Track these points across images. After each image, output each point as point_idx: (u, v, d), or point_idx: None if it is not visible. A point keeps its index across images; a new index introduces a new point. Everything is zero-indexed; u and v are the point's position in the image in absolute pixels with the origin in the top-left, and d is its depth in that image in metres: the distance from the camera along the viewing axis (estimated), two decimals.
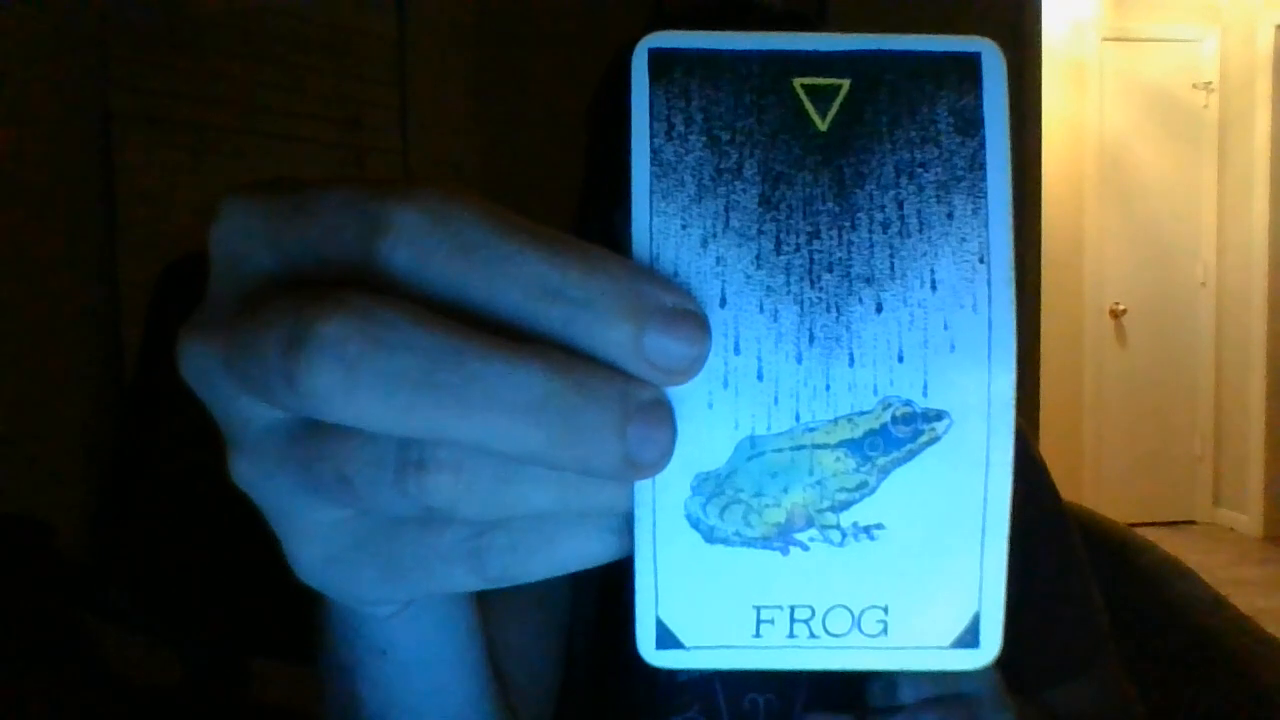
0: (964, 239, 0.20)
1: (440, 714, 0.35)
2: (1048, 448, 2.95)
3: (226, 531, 1.04)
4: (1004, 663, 0.63)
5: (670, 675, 0.63)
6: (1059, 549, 0.69)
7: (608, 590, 0.62)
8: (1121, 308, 4.22)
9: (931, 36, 0.20)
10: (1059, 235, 3.84)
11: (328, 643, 0.33)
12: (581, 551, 0.20)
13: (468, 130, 2.35)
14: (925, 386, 0.20)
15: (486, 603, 0.37)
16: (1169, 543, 0.90)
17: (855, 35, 0.20)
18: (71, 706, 1.26)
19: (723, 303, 0.20)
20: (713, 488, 0.20)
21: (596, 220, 0.66)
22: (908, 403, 0.20)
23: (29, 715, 1.19)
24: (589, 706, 0.64)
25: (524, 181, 1.54)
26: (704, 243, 0.20)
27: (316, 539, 0.21)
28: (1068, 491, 0.72)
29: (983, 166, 0.20)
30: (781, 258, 0.20)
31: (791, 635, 0.20)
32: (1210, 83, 4.19)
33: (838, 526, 0.20)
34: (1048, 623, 0.67)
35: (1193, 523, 4.28)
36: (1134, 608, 0.86)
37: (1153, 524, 4.04)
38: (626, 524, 0.20)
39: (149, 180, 1.75)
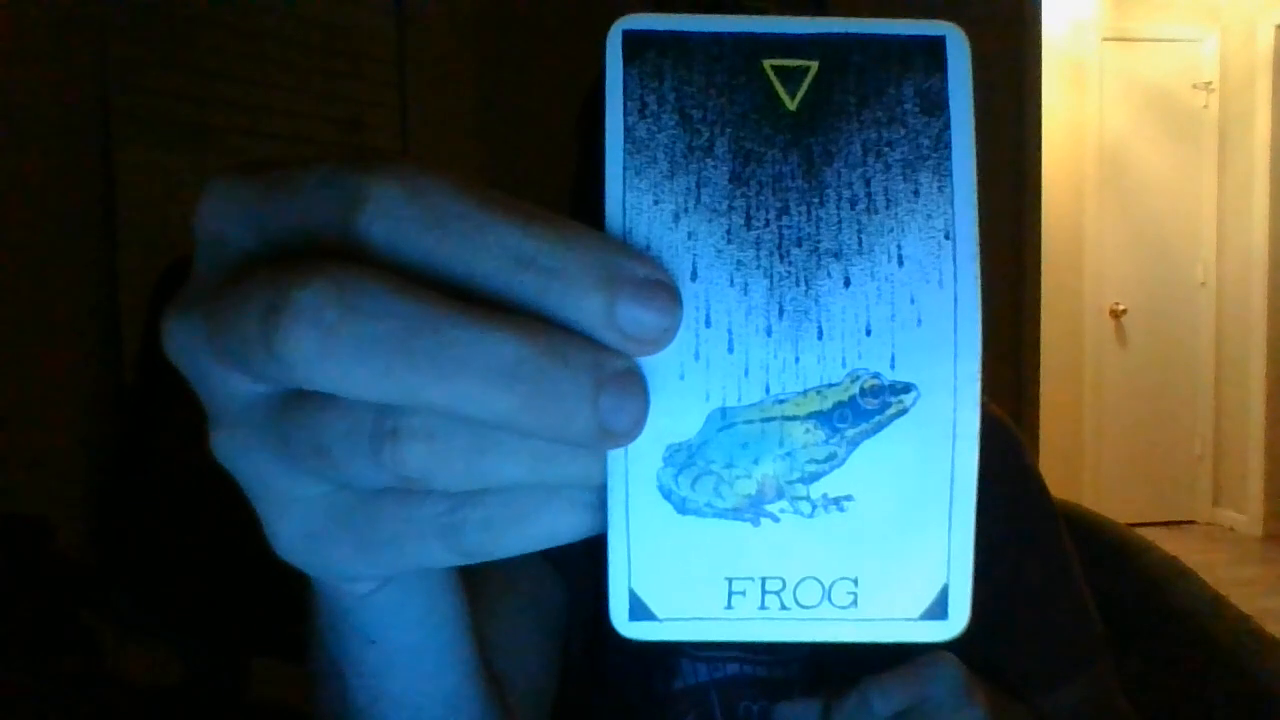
0: (930, 216, 0.20)
1: (429, 705, 0.35)
2: (1048, 448, 2.94)
3: (227, 531, 1.04)
4: (998, 667, 0.62)
5: (666, 682, 0.63)
6: (1051, 554, 0.69)
7: (604, 593, 0.61)
8: (1121, 308, 4.22)
9: (898, 20, 0.21)
10: (1059, 235, 3.84)
11: (316, 634, 0.33)
12: (555, 527, 0.20)
13: (468, 130, 2.35)
14: (893, 359, 0.20)
15: (479, 600, 0.37)
16: (1169, 543, 0.90)
17: (823, 19, 0.21)
18: (71, 706, 1.26)
19: (694, 276, 0.20)
20: (684, 459, 0.20)
21: (588, 223, 0.66)
22: (876, 375, 0.20)
23: (29, 715, 1.19)
24: (586, 712, 0.64)
25: (524, 181, 1.54)
26: (676, 218, 0.20)
27: (295, 514, 0.21)
28: (1068, 491, 0.72)
29: (948, 146, 0.20)
30: (751, 233, 0.20)
31: (763, 606, 0.20)
32: (1210, 83, 4.19)
33: (808, 498, 0.20)
34: (1040, 627, 0.67)
35: (1193, 523, 4.28)
36: (1134, 608, 0.86)
37: (1153, 524, 4.04)
38: (600, 499, 0.20)
39: (149, 180, 1.75)
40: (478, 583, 0.36)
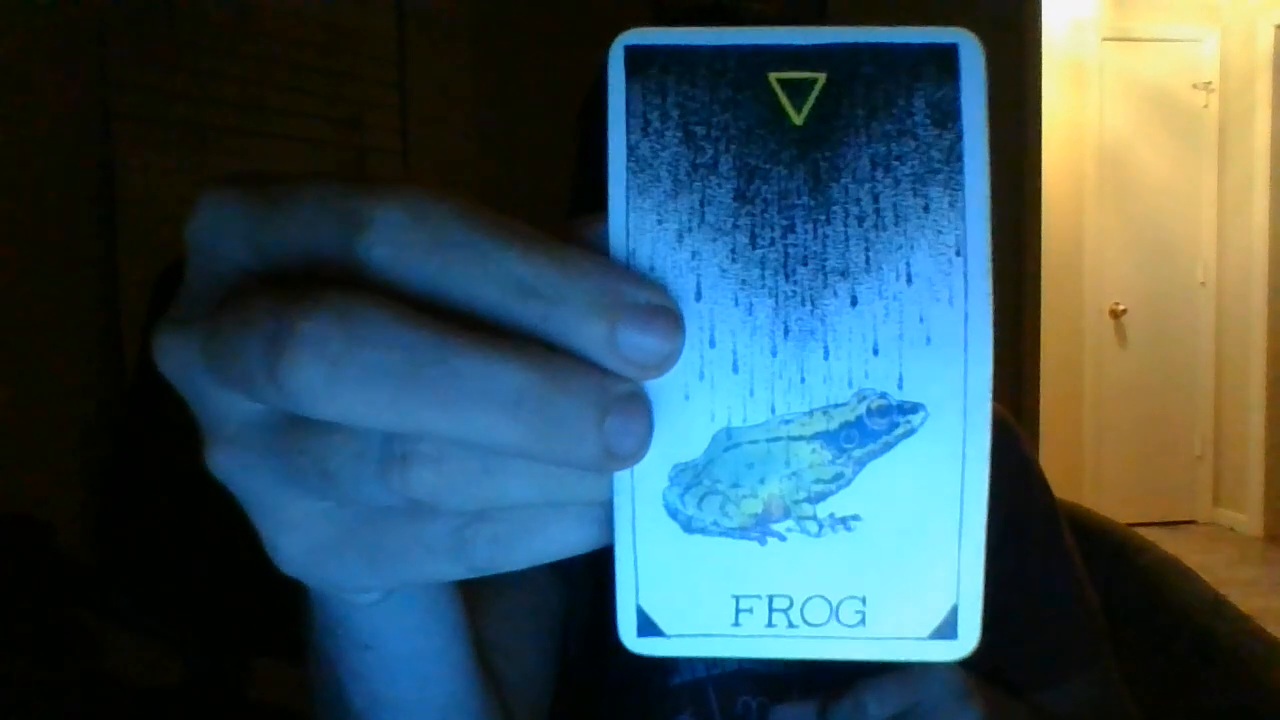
0: (940, 231, 0.20)
1: (426, 709, 0.35)
2: (1048, 448, 2.94)
3: (227, 531, 1.04)
4: (999, 664, 0.63)
5: (664, 679, 0.63)
6: (1052, 551, 0.69)
7: (602, 593, 0.62)
8: (1121, 308, 4.22)
9: (908, 28, 0.20)
10: (1059, 235, 3.84)
11: (312, 637, 0.33)
12: (564, 541, 0.20)
13: (468, 130, 2.35)
14: (901, 379, 0.20)
15: (477, 601, 0.37)
16: (1169, 543, 0.90)
17: (831, 28, 0.20)
18: (71, 706, 1.26)
19: (698, 296, 0.20)
20: (690, 478, 0.20)
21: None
22: (883, 395, 0.20)
23: (29, 715, 1.19)
24: (584, 709, 0.64)
25: (524, 182, 1.54)
26: (679, 237, 0.20)
27: (298, 529, 0.21)
28: (1068, 491, 0.72)
29: (960, 158, 0.20)
30: (757, 252, 0.20)
31: (770, 624, 0.20)
32: (1210, 83, 4.19)
33: (814, 518, 0.20)
34: (1042, 624, 0.67)
35: (1193, 523, 4.28)
36: (1134, 608, 0.86)
37: (1153, 524, 4.04)
38: (607, 514, 0.20)
39: (149, 180, 1.75)
40: (476, 584, 0.36)
